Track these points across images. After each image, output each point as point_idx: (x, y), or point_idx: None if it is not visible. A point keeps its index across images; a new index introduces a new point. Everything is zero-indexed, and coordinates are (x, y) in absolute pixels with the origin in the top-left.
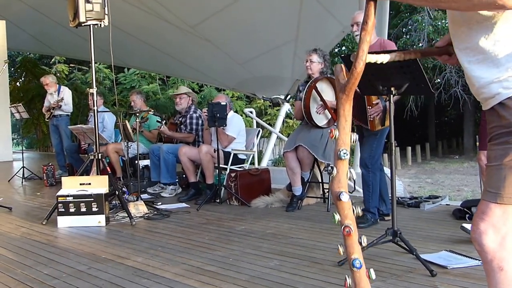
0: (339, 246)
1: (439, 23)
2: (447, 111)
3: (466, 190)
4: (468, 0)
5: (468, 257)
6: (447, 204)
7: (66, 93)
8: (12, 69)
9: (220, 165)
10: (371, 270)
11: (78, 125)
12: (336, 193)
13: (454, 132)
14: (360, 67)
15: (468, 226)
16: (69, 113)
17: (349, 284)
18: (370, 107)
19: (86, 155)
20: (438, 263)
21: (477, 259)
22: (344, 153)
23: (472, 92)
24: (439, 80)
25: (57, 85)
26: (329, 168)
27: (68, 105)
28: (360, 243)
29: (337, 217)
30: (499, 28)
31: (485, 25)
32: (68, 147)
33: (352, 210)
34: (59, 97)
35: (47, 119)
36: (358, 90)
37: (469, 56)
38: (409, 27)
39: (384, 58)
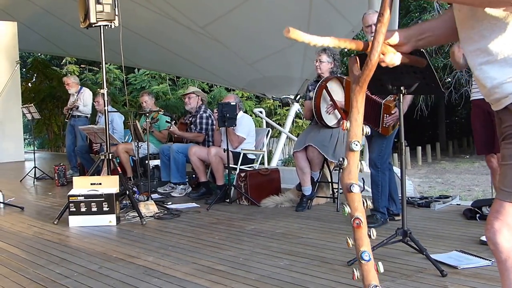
0: (348, 238)
1: None
2: (458, 111)
3: (477, 190)
4: None
5: (478, 257)
6: (457, 204)
7: (86, 95)
8: (24, 70)
9: (230, 165)
10: (379, 263)
11: (89, 126)
12: (347, 185)
13: (465, 131)
14: (375, 59)
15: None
16: (88, 115)
17: (358, 277)
18: (387, 115)
19: (97, 155)
20: (448, 263)
21: (487, 259)
22: (356, 145)
23: (482, 93)
24: (449, 79)
25: (79, 86)
26: (340, 159)
27: (87, 106)
28: (370, 236)
29: (347, 209)
30: (511, 28)
31: (497, 25)
32: (79, 148)
33: (362, 202)
34: (76, 98)
35: (66, 119)
36: (371, 95)
37: (480, 57)
38: None
39: (321, 41)
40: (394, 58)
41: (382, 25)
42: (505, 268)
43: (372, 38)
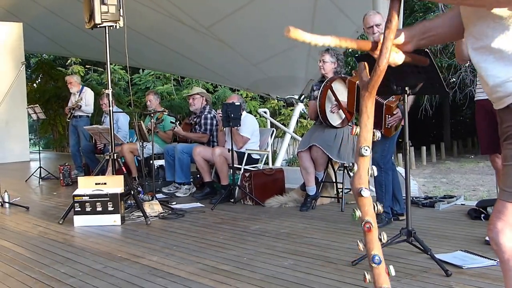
0: (358, 241)
1: None
2: (463, 111)
3: (482, 190)
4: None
5: (483, 257)
6: (462, 204)
7: (88, 94)
8: (29, 70)
9: (234, 165)
10: (391, 266)
11: (94, 126)
12: (357, 189)
13: (470, 131)
14: (383, 65)
15: None
16: (89, 114)
17: (369, 280)
18: (389, 116)
19: (102, 155)
20: (453, 263)
21: (492, 259)
22: (366, 150)
23: (485, 91)
24: (454, 79)
25: (80, 86)
26: (350, 164)
27: (89, 106)
28: (380, 240)
29: (357, 213)
30: None
31: (502, 23)
32: (84, 147)
33: (372, 206)
34: (79, 98)
35: (68, 119)
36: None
37: (484, 55)
38: None
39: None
40: (396, 58)
41: (390, 31)
42: (508, 268)
43: (373, 39)
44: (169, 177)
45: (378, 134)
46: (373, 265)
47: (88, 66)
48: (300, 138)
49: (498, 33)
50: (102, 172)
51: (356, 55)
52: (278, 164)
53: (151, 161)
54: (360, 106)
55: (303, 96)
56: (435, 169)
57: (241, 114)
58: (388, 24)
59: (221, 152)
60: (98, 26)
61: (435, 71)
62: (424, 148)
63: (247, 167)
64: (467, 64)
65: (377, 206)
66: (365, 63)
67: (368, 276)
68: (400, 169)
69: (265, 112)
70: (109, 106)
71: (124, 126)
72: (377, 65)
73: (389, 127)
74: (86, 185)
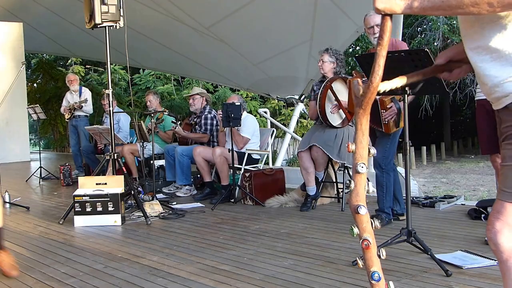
0: (357, 259)
1: (454, 22)
2: (463, 110)
3: (482, 190)
4: (489, 4)
5: (483, 257)
6: (462, 204)
7: (87, 94)
8: (29, 71)
9: (235, 165)
10: (391, 282)
11: (95, 126)
12: (354, 207)
13: (470, 131)
14: (376, 82)
15: None
16: (89, 114)
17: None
18: (384, 111)
19: (102, 155)
20: (453, 263)
21: (492, 259)
22: (362, 167)
23: (483, 91)
24: None
25: (79, 86)
26: (347, 181)
27: (89, 106)
28: (379, 256)
29: (355, 230)
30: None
31: (498, 23)
32: (84, 148)
33: (370, 223)
34: (82, 98)
35: (67, 119)
36: None
37: (482, 55)
38: (424, 26)
39: (391, 85)
40: (461, 73)
41: (382, 48)
42: (507, 268)
43: (375, 39)
44: (169, 177)
45: (373, 151)
46: (373, 282)
47: (88, 66)
48: (300, 138)
49: (495, 33)
50: (103, 172)
51: (356, 55)
52: (278, 164)
53: (152, 161)
54: (355, 123)
55: (303, 96)
56: (435, 169)
57: (242, 114)
58: (380, 41)
59: (221, 152)
60: (99, 26)
61: None
62: (424, 148)
63: (247, 167)
64: None
65: (374, 222)
66: (359, 79)
67: (360, 262)
68: (400, 169)
69: (265, 112)
70: (110, 107)
71: (125, 127)
72: (370, 82)
73: (386, 122)
74: (87, 185)
